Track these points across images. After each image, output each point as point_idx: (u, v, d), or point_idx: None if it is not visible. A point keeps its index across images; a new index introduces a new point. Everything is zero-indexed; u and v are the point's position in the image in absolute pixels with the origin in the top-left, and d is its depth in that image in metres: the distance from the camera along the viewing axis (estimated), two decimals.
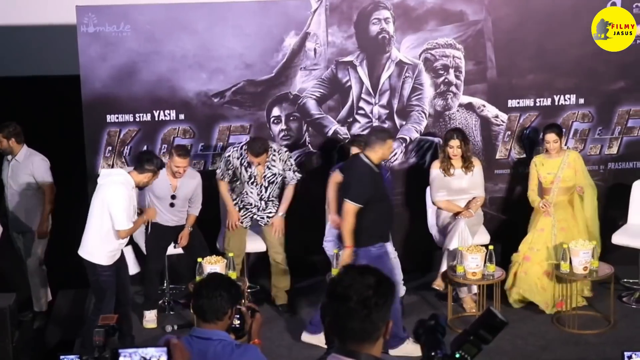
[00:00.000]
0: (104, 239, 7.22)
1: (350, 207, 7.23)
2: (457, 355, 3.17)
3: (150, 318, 8.10)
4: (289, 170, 8.25)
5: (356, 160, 7.44)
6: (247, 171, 8.17)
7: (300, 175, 8.32)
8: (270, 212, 8.29)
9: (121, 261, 7.45)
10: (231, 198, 8.30)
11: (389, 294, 3.10)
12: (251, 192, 8.24)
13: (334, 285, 3.11)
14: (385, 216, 7.41)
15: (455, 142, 8.29)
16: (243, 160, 8.16)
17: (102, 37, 8.45)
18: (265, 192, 8.25)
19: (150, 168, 7.35)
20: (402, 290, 8.20)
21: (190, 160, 8.29)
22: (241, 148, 8.19)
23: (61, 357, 4.23)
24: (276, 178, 8.23)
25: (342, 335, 3.10)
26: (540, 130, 8.75)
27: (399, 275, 8.13)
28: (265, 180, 8.20)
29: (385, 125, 8.80)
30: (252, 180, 8.20)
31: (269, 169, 8.17)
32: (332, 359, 3.11)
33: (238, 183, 8.27)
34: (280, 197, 8.34)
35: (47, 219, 8.27)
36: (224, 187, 8.31)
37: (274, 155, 8.17)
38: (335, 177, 7.85)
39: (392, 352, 7.29)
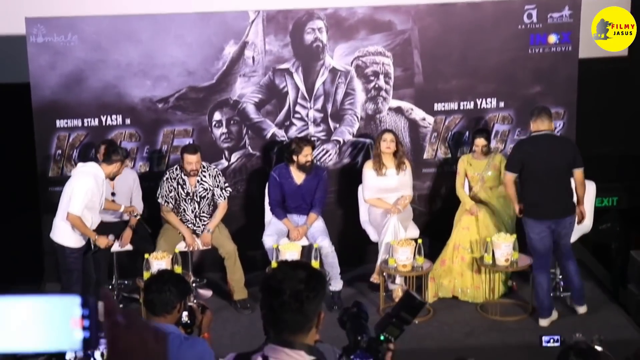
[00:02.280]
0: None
1: (579, 173, 7.94)
2: (382, 338, 3.28)
3: None
4: (217, 187, 8.48)
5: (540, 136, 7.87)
6: (183, 189, 8.43)
7: (229, 192, 8.55)
8: (204, 224, 8.56)
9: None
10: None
11: (319, 288, 3.16)
12: (186, 209, 8.50)
13: (267, 281, 3.18)
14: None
15: (388, 136, 8.50)
16: (180, 180, 8.43)
17: (50, 46, 8.53)
18: (198, 207, 8.50)
19: (117, 158, 7.71)
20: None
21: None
22: (176, 169, 8.46)
23: None
24: (207, 193, 8.47)
25: (277, 326, 3.17)
26: (464, 131, 9.06)
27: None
28: (197, 195, 8.46)
29: (320, 128, 9.09)
30: (188, 196, 8.45)
31: (201, 184, 8.43)
32: (269, 349, 3.19)
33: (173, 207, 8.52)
34: (212, 214, 8.58)
35: None
36: (172, 216, 8.50)
37: (204, 171, 8.45)
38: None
39: (543, 321, 7.94)
